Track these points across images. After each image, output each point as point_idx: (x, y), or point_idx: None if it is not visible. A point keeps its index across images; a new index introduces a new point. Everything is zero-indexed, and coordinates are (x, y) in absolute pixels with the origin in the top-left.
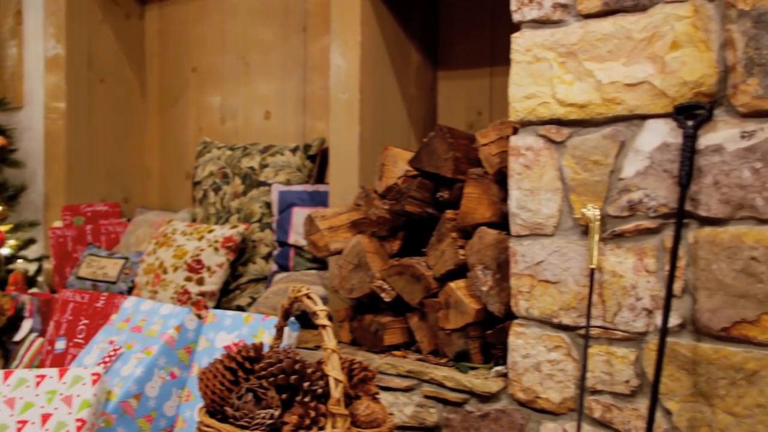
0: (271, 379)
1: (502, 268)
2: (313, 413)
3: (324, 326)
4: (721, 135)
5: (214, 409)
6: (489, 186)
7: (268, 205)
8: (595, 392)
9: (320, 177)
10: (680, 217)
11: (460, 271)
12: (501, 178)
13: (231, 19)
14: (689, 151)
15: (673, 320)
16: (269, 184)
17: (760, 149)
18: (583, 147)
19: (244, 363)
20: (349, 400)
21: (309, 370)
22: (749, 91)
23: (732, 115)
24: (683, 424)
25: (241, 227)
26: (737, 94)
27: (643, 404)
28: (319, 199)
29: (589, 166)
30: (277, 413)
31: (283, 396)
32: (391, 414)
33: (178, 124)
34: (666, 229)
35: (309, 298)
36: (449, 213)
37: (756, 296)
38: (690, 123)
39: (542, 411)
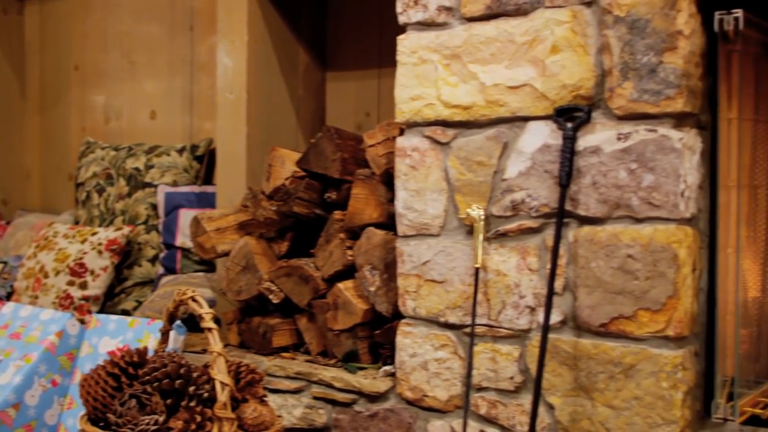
0: (156, 384)
1: (389, 269)
2: (198, 418)
3: (210, 329)
4: (599, 137)
5: (97, 417)
6: (376, 187)
7: (154, 206)
8: (481, 389)
9: (208, 178)
10: (560, 216)
11: (349, 271)
12: (388, 179)
13: (115, 16)
14: (569, 153)
15: (555, 317)
16: (155, 186)
17: (635, 150)
18: (468, 148)
19: (127, 368)
20: (236, 403)
21: (195, 374)
22: (625, 94)
23: (609, 118)
24: (565, 418)
25: (126, 229)
26: (613, 98)
27: (527, 400)
28: (207, 201)
29: (473, 167)
30: (161, 419)
31: (168, 401)
32: (279, 416)
33: (60, 124)
34: (547, 229)
35: (194, 300)
36: (337, 214)
37: (632, 293)
38: (569, 125)
39: (430, 409)
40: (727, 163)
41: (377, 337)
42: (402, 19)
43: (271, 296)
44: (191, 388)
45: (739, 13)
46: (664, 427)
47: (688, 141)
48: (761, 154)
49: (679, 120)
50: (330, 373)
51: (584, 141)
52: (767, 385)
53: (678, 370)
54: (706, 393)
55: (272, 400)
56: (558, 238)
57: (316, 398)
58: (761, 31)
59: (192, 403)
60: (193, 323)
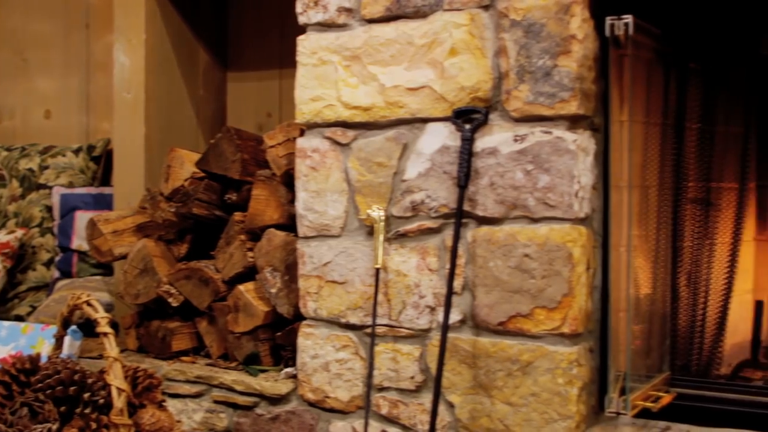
0: (49, 391)
1: (290, 270)
2: (94, 425)
3: (105, 334)
4: (496, 138)
5: None
6: (277, 188)
7: (49, 208)
8: (382, 389)
9: (105, 179)
10: (459, 217)
11: (249, 273)
12: (289, 180)
13: (5, 11)
14: (467, 154)
15: (454, 316)
16: (50, 187)
17: (531, 152)
18: (368, 149)
19: (18, 376)
20: (133, 409)
21: (90, 381)
22: (521, 96)
23: (506, 120)
24: (465, 416)
25: (19, 232)
26: (510, 100)
27: (427, 399)
28: (104, 203)
29: (373, 168)
30: (55, 427)
31: (62, 409)
32: (179, 421)
33: None
34: (447, 229)
35: (89, 305)
36: (238, 215)
37: (529, 291)
38: (467, 126)
39: (332, 410)
40: (618, 164)
41: (278, 339)
42: (302, 20)
43: (170, 299)
44: (86, 395)
45: (629, 18)
46: (560, 422)
47: (581, 143)
48: (652, 156)
49: (573, 122)
50: (231, 377)
51: (482, 142)
52: (658, 379)
53: (573, 367)
54: (601, 388)
55: (172, 405)
56: (457, 238)
57: (216, 402)
58: (652, 37)
59: (87, 410)
60: (89, 328)
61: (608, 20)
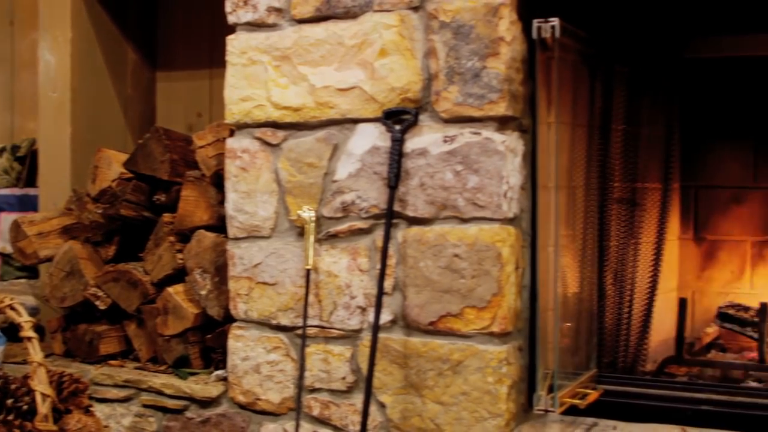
0: None
1: (220, 272)
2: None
3: (29, 338)
4: (426, 139)
5: None
6: (206, 189)
7: None
8: (313, 390)
9: (30, 180)
10: (389, 217)
11: (179, 275)
12: (219, 181)
13: None
14: (397, 154)
15: (385, 317)
16: None
17: (461, 153)
18: (298, 150)
19: None
20: (58, 415)
21: (13, 386)
22: (450, 98)
23: (436, 121)
24: (396, 416)
25: None
26: (440, 101)
27: (359, 399)
28: (30, 204)
29: (304, 169)
30: None
31: None
32: (106, 426)
33: None
34: (377, 229)
35: (13, 309)
36: (167, 216)
37: (459, 291)
38: (398, 127)
39: (263, 412)
40: (546, 165)
41: (209, 341)
42: (231, 19)
43: (97, 302)
44: (9, 401)
45: (555, 21)
46: (490, 421)
47: (510, 144)
48: (579, 157)
49: (502, 123)
50: (160, 380)
51: (412, 143)
52: (585, 376)
53: (503, 365)
54: (530, 386)
55: (99, 410)
56: (387, 238)
57: (145, 406)
58: (578, 40)
59: (10, 417)
60: (13, 332)
61: (535, 23)
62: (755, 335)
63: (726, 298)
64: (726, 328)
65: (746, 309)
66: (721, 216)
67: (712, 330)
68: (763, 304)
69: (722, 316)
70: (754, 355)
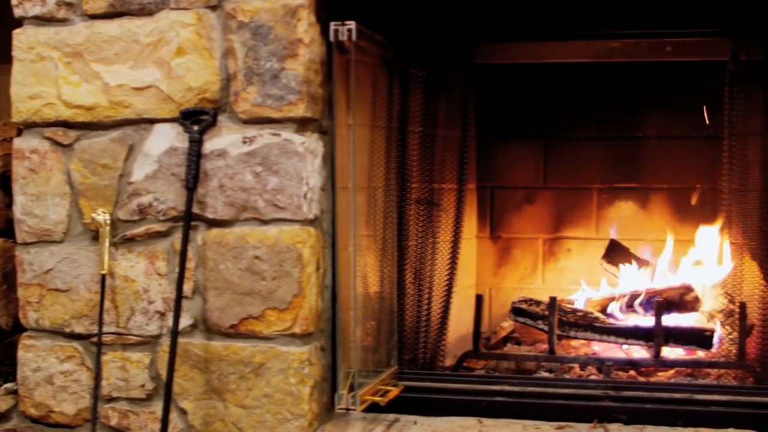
0: None
1: (8, 279)
2: None
3: None
4: (225, 140)
5: None
6: None
7: None
8: (111, 400)
9: None
10: (188, 219)
11: None
12: (6, 183)
13: None
14: (195, 156)
15: (185, 321)
16: None
17: (260, 154)
18: (92, 150)
19: None
20: None
21: None
22: (249, 98)
23: (235, 121)
24: (198, 421)
25: None
26: (238, 102)
27: (159, 407)
28: None
29: (98, 170)
30: None
31: None
32: None
33: None
34: (176, 232)
35: None
36: None
37: (260, 293)
38: (196, 128)
39: (57, 425)
40: (345, 166)
41: None
42: (18, 12)
43: None
44: None
45: (352, 24)
46: (293, 422)
47: (310, 145)
48: (378, 158)
49: (301, 125)
50: None
51: (211, 144)
52: (386, 374)
53: (305, 366)
54: (333, 385)
55: None
56: (185, 241)
57: None
58: (376, 43)
59: None
60: None
61: (332, 26)
62: (546, 328)
63: (520, 293)
64: (520, 322)
65: (538, 303)
66: (515, 215)
67: (508, 324)
68: (552, 298)
69: (516, 311)
70: (546, 347)
